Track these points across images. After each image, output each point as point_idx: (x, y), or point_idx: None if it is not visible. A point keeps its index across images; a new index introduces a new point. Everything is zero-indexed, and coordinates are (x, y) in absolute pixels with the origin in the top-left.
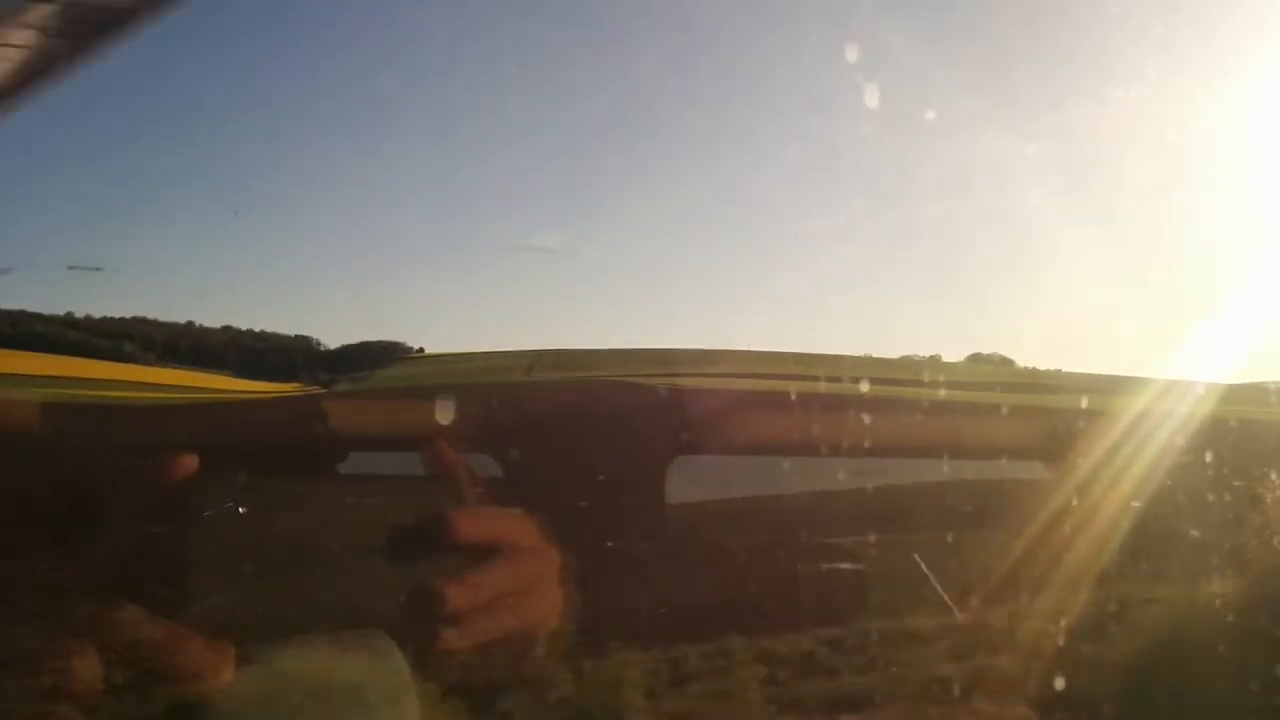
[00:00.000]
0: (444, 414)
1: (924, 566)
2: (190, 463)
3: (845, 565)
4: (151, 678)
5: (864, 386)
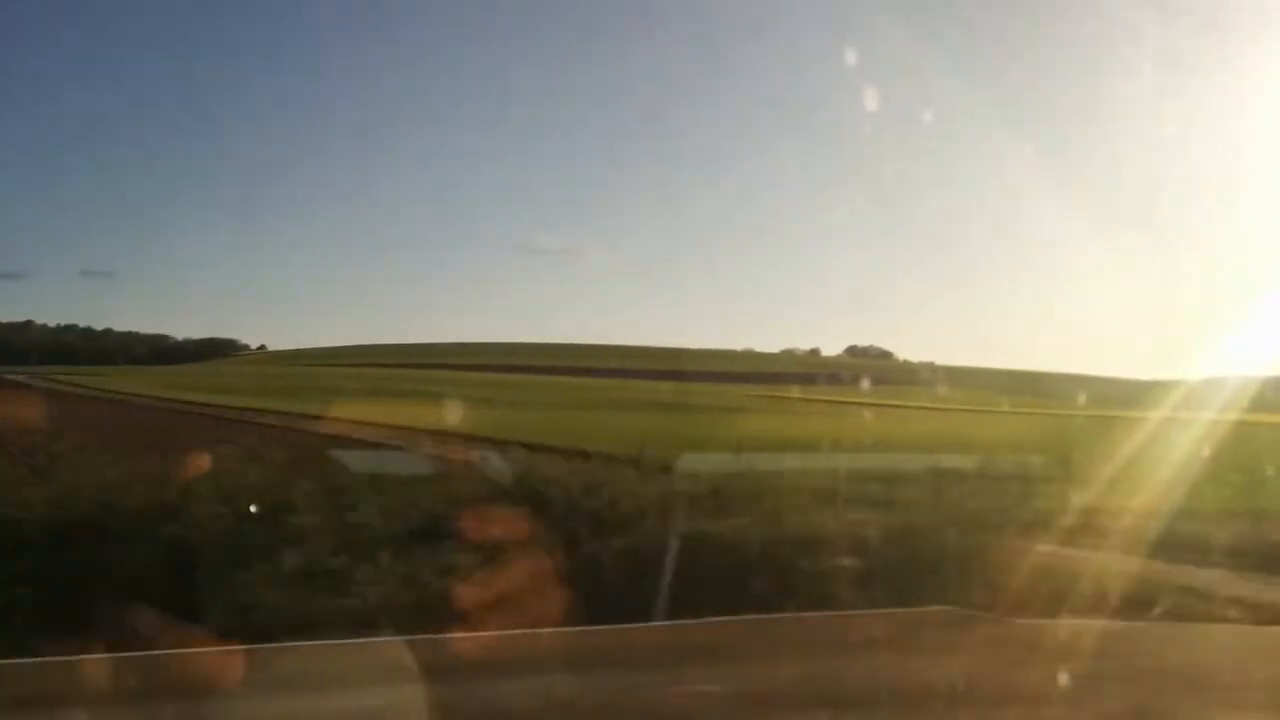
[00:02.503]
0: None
1: None
2: (203, 461)
3: None
4: (163, 680)
5: None
